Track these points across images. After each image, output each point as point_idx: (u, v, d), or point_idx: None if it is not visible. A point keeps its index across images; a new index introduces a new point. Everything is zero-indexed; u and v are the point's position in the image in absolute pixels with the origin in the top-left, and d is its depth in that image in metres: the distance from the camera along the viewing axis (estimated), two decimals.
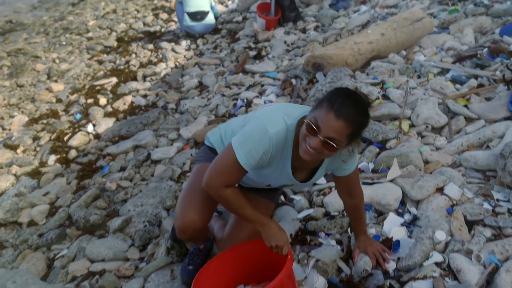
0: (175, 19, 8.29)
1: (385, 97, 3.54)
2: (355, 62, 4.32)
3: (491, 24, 4.65)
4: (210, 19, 6.75)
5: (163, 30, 7.83)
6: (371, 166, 2.85)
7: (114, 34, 8.34)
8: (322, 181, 2.80)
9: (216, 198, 1.87)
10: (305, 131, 1.63)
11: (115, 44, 7.64)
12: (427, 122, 3.12)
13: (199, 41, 6.71)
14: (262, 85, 4.60)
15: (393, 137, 3.03)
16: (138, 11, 9.74)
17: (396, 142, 3.00)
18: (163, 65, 5.99)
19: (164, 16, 8.78)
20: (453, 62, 3.97)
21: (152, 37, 7.49)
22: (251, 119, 1.87)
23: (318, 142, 1.59)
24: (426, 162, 2.78)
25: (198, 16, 6.61)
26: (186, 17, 6.60)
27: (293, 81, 4.47)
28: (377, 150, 2.99)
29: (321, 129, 1.58)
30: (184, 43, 6.73)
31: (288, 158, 1.83)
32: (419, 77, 3.90)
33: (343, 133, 1.57)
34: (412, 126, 3.17)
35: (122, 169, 3.77)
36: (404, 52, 4.59)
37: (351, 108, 1.56)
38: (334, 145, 1.59)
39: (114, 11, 10.24)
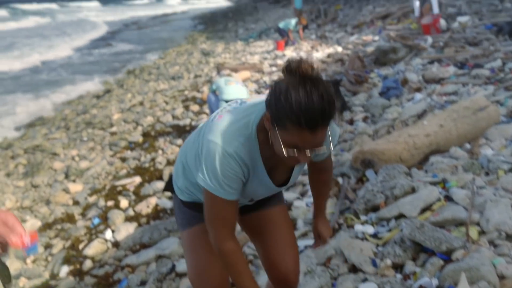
0: (207, 111, 8.67)
1: (448, 198, 3.51)
2: (411, 158, 4.35)
3: None
4: None
5: (193, 123, 8.18)
6: (434, 282, 2.76)
7: (140, 128, 8.77)
8: None
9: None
10: (284, 148, 1.62)
11: (141, 139, 8.01)
12: (499, 228, 3.05)
13: None
14: (304, 185, 4.66)
15: (460, 246, 2.96)
16: (167, 103, 10.28)
17: (463, 253, 2.92)
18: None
19: (195, 108, 9.22)
20: None
21: (182, 131, 7.83)
22: (203, 143, 1.85)
23: (307, 155, 1.62)
24: (502, 277, 2.68)
25: None
26: (223, 104, 6.86)
27: (340, 180, 4.51)
28: (441, 262, 2.91)
29: (304, 147, 1.59)
30: None
31: (260, 168, 1.85)
32: (487, 174, 3.87)
33: (324, 135, 1.59)
34: (482, 233, 3.10)
35: (142, 283, 3.79)
36: (467, 145, 4.60)
37: (318, 112, 1.51)
38: (321, 146, 1.62)
39: (141, 103, 10.83)
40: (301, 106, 1.50)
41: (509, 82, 5.89)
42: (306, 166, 2.14)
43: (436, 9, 9.21)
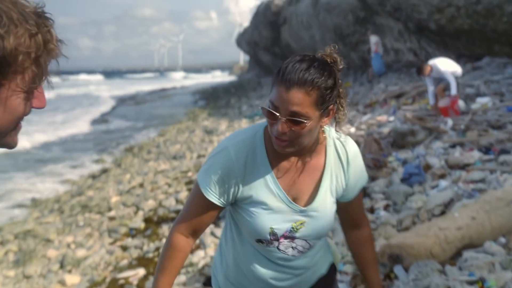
0: None
1: None
2: (442, 253, 4.32)
3: None
4: None
5: None
6: None
7: (141, 213, 8.76)
8: None
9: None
10: (267, 119, 1.74)
11: (142, 225, 7.98)
12: None
13: None
14: None
15: None
16: (169, 185, 10.32)
17: None
18: (201, 253, 6.15)
19: None
20: None
21: None
22: None
23: (282, 124, 1.67)
24: None
25: None
26: None
27: None
28: None
29: (280, 109, 1.66)
30: None
31: (265, 167, 1.87)
32: None
33: (304, 102, 1.64)
34: None
35: None
36: (502, 239, 4.59)
37: (302, 71, 1.64)
38: (300, 120, 1.66)
39: (141, 185, 10.88)
40: (287, 66, 1.67)
41: None
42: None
43: (454, 90, 9.43)
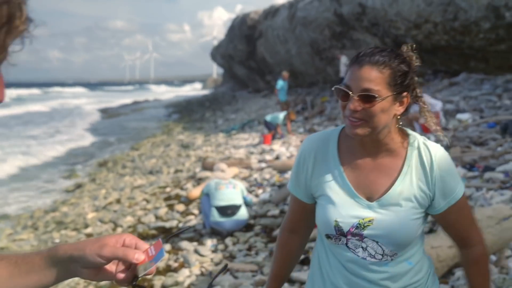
0: (195, 211, 8.63)
1: None
2: (435, 272, 4.33)
3: None
4: (242, 214, 7.03)
5: (180, 225, 8.09)
6: None
7: (119, 230, 8.62)
8: None
9: None
10: (340, 102, 1.82)
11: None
12: None
13: (228, 240, 6.87)
14: None
15: None
16: (147, 201, 10.20)
17: None
18: (185, 271, 6.06)
19: (180, 207, 9.15)
20: None
21: (168, 234, 7.70)
22: None
23: (354, 101, 1.75)
24: None
25: (228, 210, 6.92)
26: (214, 212, 6.91)
27: None
28: None
29: (352, 87, 1.77)
30: (210, 242, 6.90)
31: (333, 154, 1.96)
32: None
33: (376, 79, 1.74)
34: None
35: None
36: (493, 257, 4.63)
37: (376, 53, 1.78)
38: (372, 94, 1.73)
39: (118, 201, 10.73)
40: (363, 50, 1.82)
41: None
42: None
43: (438, 106, 9.59)
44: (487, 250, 1.99)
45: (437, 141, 8.93)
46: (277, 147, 13.58)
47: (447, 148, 8.37)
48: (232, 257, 6.34)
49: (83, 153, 20.17)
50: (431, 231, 5.54)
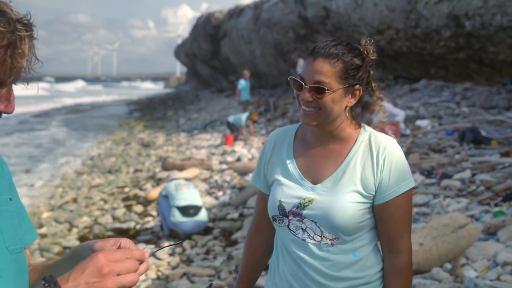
0: (153, 212, 8.51)
1: None
2: None
3: None
4: (203, 215, 6.98)
5: (138, 227, 7.98)
6: None
7: (75, 230, 8.44)
8: None
9: None
10: (295, 92, 1.91)
11: (77, 244, 7.68)
12: None
13: (186, 244, 6.80)
14: None
15: None
16: (105, 201, 10.03)
17: None
18: (141, 276, 5.96)
19: (138, 208, 9.03)
20: None
21: (125, 236, 7.54)
22: None
23: (306, 92, 1.84)
24: None
25: (191, 210, 6.84)
26: (175, 212, 6.81)
27: None
28: None
29: (305, 79, 1.86)
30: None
31: (288, 145, 2.05)
32: None
33: (328, 72, 1.82)
34: None
35: None
36: (448, 265, 4.69)
37: (330, 47, 1.85)
38: (322, 87, 1.81)
39: (75, 200, 10.51)
40: (319, 43, 1.90)
41: (481, 195, 6.15)
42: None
43: (400, 117, 9.76)
44: (411, 262, 1.94)
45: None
46: (239, 148, 13.53)
47: (405, 154, 8.48)
48: (189, 261, 6.28)
49: (38, 148, 19.71)
50: None
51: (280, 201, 1.96)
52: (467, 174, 6.94)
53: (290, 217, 1.94)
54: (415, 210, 6.20)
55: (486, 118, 10.49)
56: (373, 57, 1.94)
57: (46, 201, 10.88)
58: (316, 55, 1.86)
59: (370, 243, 1.96)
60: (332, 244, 1.89)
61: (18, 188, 1.40)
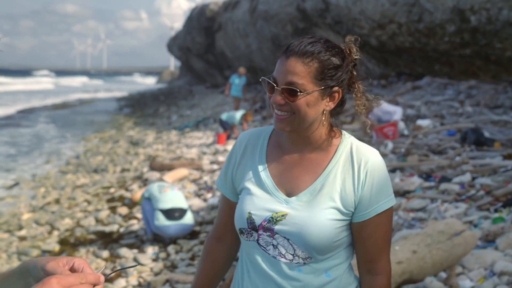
0: (138, 215, 8.49)
1: None
2: None
3: None
4: (189, 218, 6.96)
5: (122, 230, 7.95)
6: None
7: (55, 233, 8.41)
8: None
9: None
10: (267, 94, 1.83)
11: (57, 247, 7.66)
12: None
13: (171, 248, 6.78)
14: None
15: None
16: (89, 202, 10.00)
17: None
18: (122, 282, 5.94)
19: (123, 210, 9.00)
20: None
21: (108, 239, 7.57)
22: None
23: (277, 94, 1.77)
24: None
25: (176, 213, 6.82)
26: (159, 215, 6.78)
27: None
28: None
29: (278, 80, 1.78)
30: (151, 250, 6.79)
31: (260, 150, 1.96)
32: None
33: (301, 72, 1.74)
34: None
35: None
36: (443, 274, 4.68)
37: (306, 45, 1.76)
38: (295, 88, 1.73)
39: (57, 201, 10.48)
40: (294, 41, 1.81)
41: (481, 200, 6.14)
42: None
43: (398, 115, 9.73)
44: (390, 285, 1.91)
45: (395, 148, 9.04)
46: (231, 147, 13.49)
47: (404, 156, 8.47)
48: (173, 267, 6.25)
49: (22, 145, 19.66)
50: None
51: (249, 213, 1.87)
52: (467, 177, 6.92)
53: (260, 232, 1.86)
54: (411, 215, 6.19)
55: (490, 118, 10.49)
56: (356, 57, 1.85)
57: (27, 201, 10.85)
58: (289, 54, 1.77)
59: (345, 261, 1.91)
60: (304, 263, 1.84)
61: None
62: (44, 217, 9.40)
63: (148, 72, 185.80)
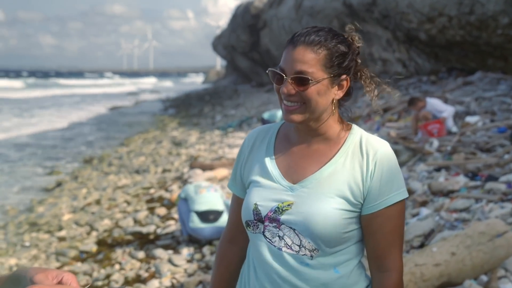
0: (175, 216, 8.58)
1: None
2: None
3: None
4: (225, 221, 6.97)
5: (158, 231, 8.06)
6: None
7: (94, 233, 8.60)
8: None
9: None
10: (274, 85, 1.85)
11: (94, 248, 7.82)
12: None
13: (206, 249, 6.83)
14: None
15: None
16: (128, 203, 10.18)
17: None
18: (155, 283, 6.03)
19: (161, 211, 9.12)
20: None
21: (144, 240, 7.68)
22: None
23: (288, 84, 1.78)
24: None
25: (210, 216, 6.86)
26: (194, 217, 6.85)
27: None
28: None
29: (286, 70, 1.80)
30: (186, 251, 6.86)
31: (268, 143, 1.99)
32: None
33: (311, 60, 1.76)
34: None
35: None
36: (484, 278, 4.57)
37: (311, 33, 1.80)
38: (306, 77, 1.75)
39: (98, 202, 10.71)
40: (299, 30, 1.85)
41: None
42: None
43: (447, 112, 9.62)
44: (402, 283, 1.89)
45: (440, 146, 8.86)
46: None
47: (450, 154, 8.29)
48: (207, 268, 6.29)
49: (65, 147, 20.15)
50: (422, 245, 5.48)
51: (255, 204, 1.90)
52: None
53: (266, 223, 1.88)
54: (454, 215, 6.06)
55: None
56: (359, 44, 1.89)
57: (69, 202, 11.12)
58: (296, 43, 1.80)
59: (355, 257, 1.90)
60: (312, 257, 1.83)
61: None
62: (84, 218, 9.62)
63: (195, 72, 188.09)
